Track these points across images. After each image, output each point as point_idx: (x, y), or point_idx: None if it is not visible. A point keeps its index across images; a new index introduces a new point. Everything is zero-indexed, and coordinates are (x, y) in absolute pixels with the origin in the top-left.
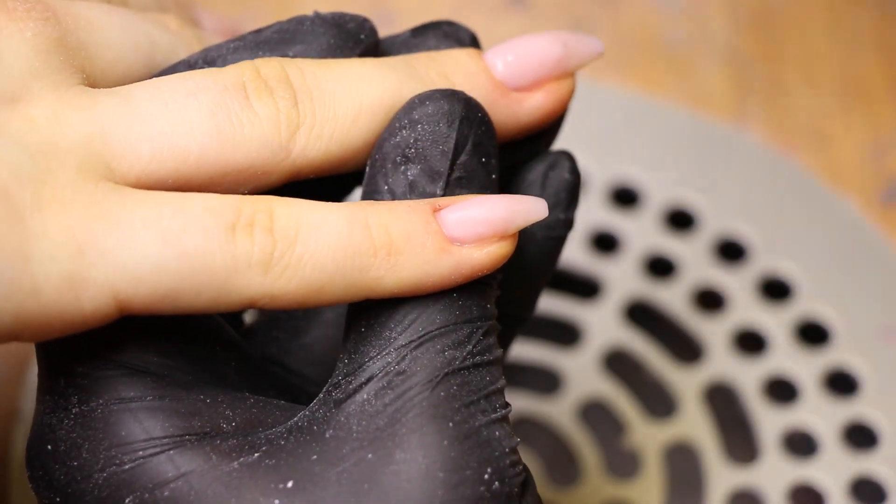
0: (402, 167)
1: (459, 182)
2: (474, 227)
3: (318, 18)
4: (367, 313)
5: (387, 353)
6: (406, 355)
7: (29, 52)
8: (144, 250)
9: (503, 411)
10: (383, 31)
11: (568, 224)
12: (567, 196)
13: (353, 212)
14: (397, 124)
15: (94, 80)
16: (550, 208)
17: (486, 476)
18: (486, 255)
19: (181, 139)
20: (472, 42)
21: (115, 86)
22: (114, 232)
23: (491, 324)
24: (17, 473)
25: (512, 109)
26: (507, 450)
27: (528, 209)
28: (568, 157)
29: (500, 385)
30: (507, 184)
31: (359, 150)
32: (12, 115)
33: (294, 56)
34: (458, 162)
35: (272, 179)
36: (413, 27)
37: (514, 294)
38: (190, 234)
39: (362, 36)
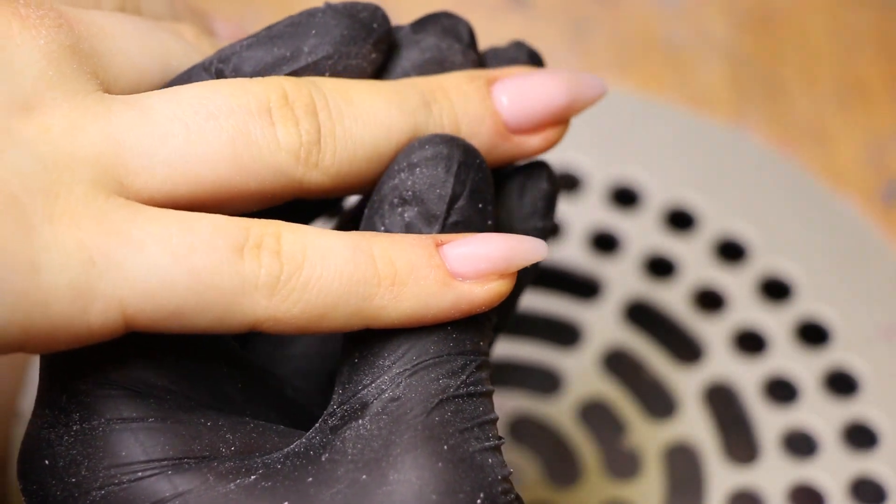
0: (399, 209)
1: (455, 226)
2: (476, 264)
3: (330, 9)
4: (360, 345)
5: (381, 381)
6: (401, 382)
7: (42, 60)
8: (154, 266)
9: (496, 441)
10: None
11: (545, 232)
12: (544, 205)
13: (358, 241)
14: (396, 167)
15: (108, 88)
16: (528, 217)
17: (479, 501)
18: (485, 291)
19: (197, 165)
20: (470, 36)
21: (129, 93)
22: (124, 246)
23: (484, 359)
24: (16, 474)
25: (510, 154)
26: (499, 477)
27: (528, 249)
28: (545, 166)
29: (493, 417)
30: None
31: (365, 184)
32: (27, 123)
33: (309, 51)
34: (455, 206)
35: (277, 202)
36: (413, 21)
37: None
38: (199, 253)
39: (375, 25)
